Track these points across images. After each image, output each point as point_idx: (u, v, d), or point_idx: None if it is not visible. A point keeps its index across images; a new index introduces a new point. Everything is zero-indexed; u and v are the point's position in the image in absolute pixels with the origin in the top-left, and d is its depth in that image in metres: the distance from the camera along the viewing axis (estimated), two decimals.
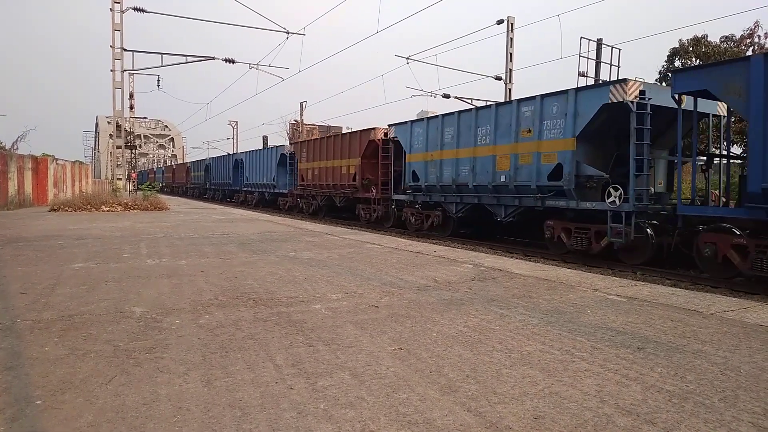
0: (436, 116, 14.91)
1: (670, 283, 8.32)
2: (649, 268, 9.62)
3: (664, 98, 9.68)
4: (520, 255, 11.41)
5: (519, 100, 12.14)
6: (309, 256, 7.10)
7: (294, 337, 3.33)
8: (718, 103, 10.27)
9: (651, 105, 9.59)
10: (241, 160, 32.19)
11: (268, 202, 28.93)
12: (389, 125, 17.20)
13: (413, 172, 15.60)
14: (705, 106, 9.93)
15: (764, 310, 4.28)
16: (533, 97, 11.61)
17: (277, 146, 28.08)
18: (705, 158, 10.99)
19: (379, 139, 17.23)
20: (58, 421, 2.12)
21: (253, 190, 30.67)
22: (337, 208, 20.79)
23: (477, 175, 13.06)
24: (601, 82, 10.86)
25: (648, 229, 9.82)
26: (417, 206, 15.89)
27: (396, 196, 16.33)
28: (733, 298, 5.25)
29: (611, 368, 2.81)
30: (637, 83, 9.70)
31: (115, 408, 2.24)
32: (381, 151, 17.29)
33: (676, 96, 9.06)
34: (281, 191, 26.26)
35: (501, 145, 12.37)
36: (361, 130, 18.76)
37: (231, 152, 42.48)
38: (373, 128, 17.74)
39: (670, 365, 2.87)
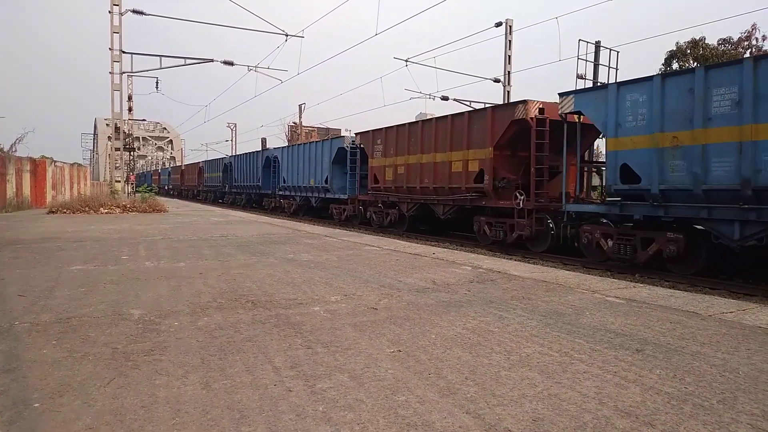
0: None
1: (668, 285, 8.32)
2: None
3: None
4: (518, 257, 11.44)
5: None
6: (308, 258, 7.10)
7: (292, 339, 3.33)
8: None
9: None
10: (276, 157, 26.27)
11: (315, 210, 23.74)
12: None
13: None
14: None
15: (762, 312, 4.28)
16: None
17: (333, 138, 23.69)
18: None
19: (532, 118, 11.87)
20: (56, 424, 2.11)
21: (293, 194, 25.55)
22: (439, 221, 15.82)
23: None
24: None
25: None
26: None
27: (579, 207, 11.10)
28: (732, 300, 5.26)
29: (610, 370, 2.82)
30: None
31: (113, 410, 2.24)
32: (534, 136, 11.84)
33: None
34: (337, 196, 20.96)
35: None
36: (494, 106, 14.01)
37: (262, 148, 35.79)
38: (523, 102, 12.16)
39: (669, 367, 2.87)
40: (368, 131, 18.30)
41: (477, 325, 3.73)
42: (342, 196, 20.30)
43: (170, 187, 57.24)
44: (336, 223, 19.77)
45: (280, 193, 26.46)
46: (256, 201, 31.27)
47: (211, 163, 41.27)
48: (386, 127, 17.16)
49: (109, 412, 2.23)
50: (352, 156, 19.48)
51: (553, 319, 3.91)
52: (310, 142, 25.05)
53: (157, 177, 68.52)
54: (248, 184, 31.01)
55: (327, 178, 21.12)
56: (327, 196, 21.45)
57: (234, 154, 31.12)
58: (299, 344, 3.22)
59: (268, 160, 27.64)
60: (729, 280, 8.81)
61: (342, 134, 28.07)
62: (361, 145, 18.72)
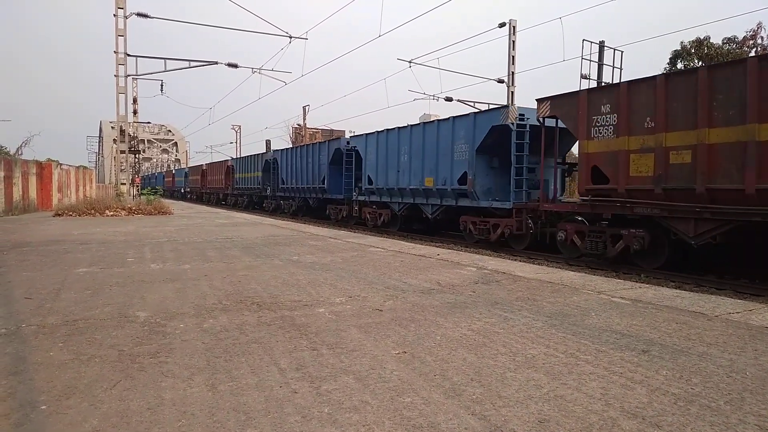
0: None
1: (674, 286, 8.29)
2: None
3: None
4: (523, 258, 11.42)
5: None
6: (312, 260, 7.11)
7: (298, 341, 3.33)
8: None
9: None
10: (355, 148, 19.75)
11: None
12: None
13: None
14: None
15: None
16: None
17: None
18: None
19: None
20: (63, 426, 2.12)
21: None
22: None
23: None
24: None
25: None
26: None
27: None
28: (738, 300, 5.23)
29: (616, 371, 2.80)
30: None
31: (119, 413, 2.25)
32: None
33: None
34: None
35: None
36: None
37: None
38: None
39: (676, 368, 2.86)
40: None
41: (482, 326, 3.72)
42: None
43: (187, 190, 50.36)
44: (341, 225, 19.92)
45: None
46: (313, 209, 23.95)
47: (247, 161, 33.21)
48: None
49: (115, 414, 2.24)
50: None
51: (558, 320, 3.90)
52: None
53: (170, 179, 60.56)
54: (303, 186, 23.81)
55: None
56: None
57: (281, 148, 27.70)
58: (304, 346, 3.22)
59: (338, 153, 20.82)
60: (735, 280, 8.77)
61: (346, 136, 28.14)
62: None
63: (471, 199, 13.76)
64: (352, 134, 21.63)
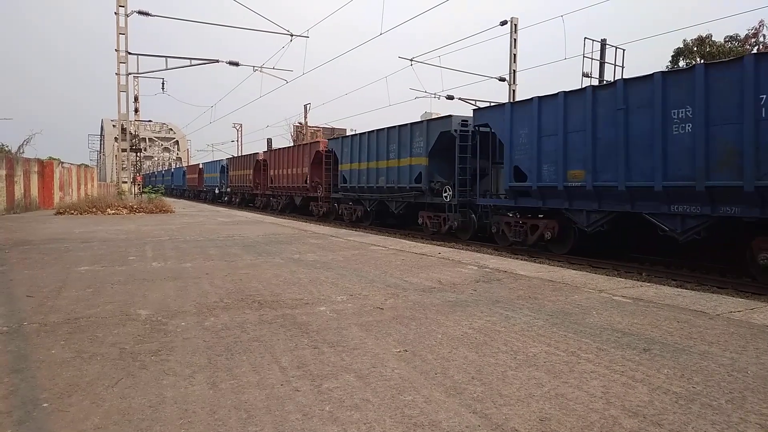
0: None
1: (675, 284, 8.28)
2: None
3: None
4: (525, 256, 11.42)
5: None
6: (313, 258, 7.11)
7: (299, 339, 3.33)
8: None
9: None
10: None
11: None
12: None
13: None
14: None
15: None
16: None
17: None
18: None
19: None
20: (64, 424, 2.13)
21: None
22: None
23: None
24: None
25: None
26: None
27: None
28: (740, 299, 5.22)
29: (617, 369, 2.80)
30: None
31: (121, 410, 2.25)
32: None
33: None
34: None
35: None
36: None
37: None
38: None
39: (677, 366, 2.86)
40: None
41: (483, 324, 3.72)
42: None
43: (225, 190, 36.97)
44: (347, 224, 20.09)
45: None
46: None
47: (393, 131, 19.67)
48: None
49: (117, 411, 2.24)
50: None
51: (559, 319, 3.90)
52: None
53: (195, 175, 46.99)
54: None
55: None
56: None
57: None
58: (306, 344, 3.22)
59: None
60: (737, 279, 8.76)
61: (348, 133, 28.35)
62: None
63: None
64: (353, 132, 22.50)
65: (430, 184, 15.23)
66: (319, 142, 23.53)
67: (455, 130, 14.13)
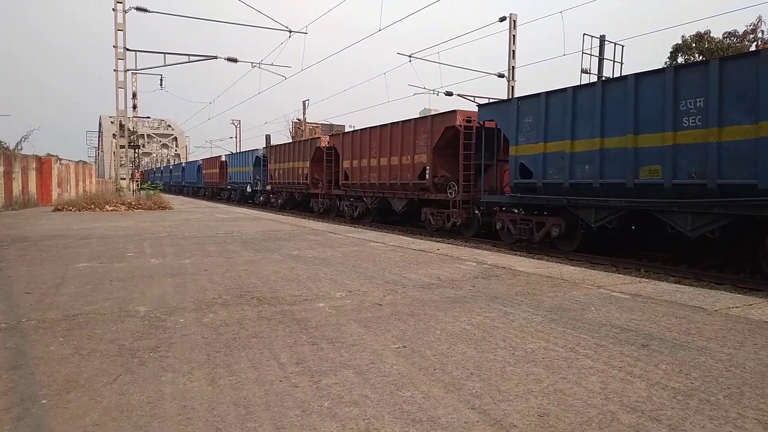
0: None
1: (673, 280, 8.30)
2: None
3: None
4: (523, 253, 11.44)
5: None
6: (312, 255, 7.11)
7: (298, 335, 3.33)
8: None
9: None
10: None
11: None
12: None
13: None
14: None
15: None
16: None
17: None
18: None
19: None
20: (63, 420, 2.13)
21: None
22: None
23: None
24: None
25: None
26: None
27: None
28: (738, 295, 5.23)
29: (616, 365, 2.81)
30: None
31: (120, 407, 2.25)
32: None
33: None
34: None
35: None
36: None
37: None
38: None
39: (675, 362, 2.87)
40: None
41: (482, 320, 3.73)
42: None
43: (265, 188, 29.22)
44: (347, 221, 20.14)
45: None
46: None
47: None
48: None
49: (115, 408, 2.24)
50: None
51: (558, 315, 3.91)
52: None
53: (214, 170, 38.94)
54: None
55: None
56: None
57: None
58: (304, 340, 3.22)
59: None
60: (735, 275, 8.78)
61: (347, 129, 28.31)
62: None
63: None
64: (352, 128, 22.28)
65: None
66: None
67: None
